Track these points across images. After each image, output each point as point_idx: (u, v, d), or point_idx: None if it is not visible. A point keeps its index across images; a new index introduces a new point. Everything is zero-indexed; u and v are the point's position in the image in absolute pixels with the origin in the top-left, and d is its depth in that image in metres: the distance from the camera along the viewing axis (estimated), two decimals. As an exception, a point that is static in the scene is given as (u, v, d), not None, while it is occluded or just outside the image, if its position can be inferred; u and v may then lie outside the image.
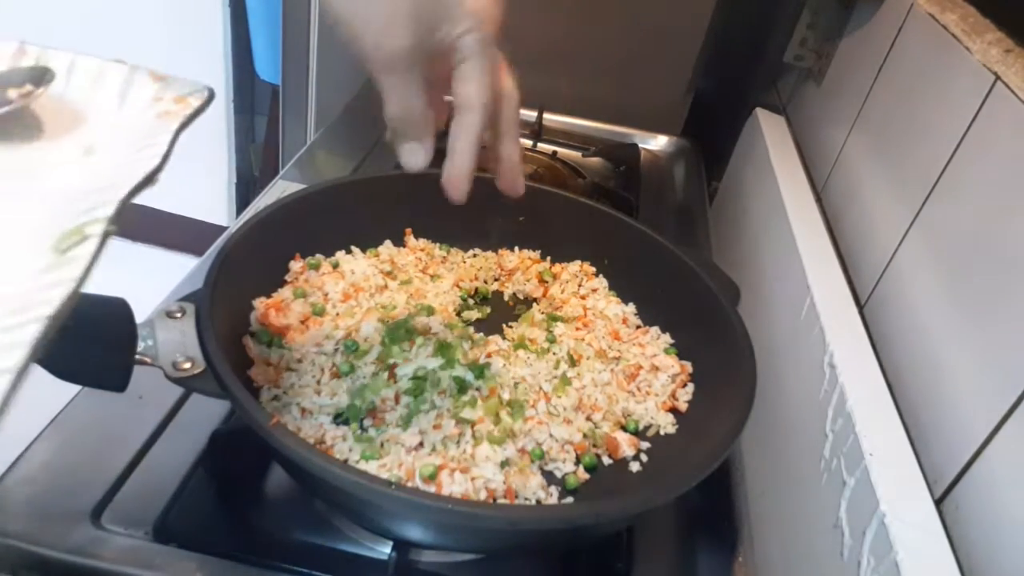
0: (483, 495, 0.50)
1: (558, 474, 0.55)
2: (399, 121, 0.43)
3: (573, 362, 0.63)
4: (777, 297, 0.78)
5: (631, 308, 0.71)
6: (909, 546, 0.43)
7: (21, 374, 0.25)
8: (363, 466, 0.50)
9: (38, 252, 0.30)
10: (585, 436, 0.58)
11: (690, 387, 0.63)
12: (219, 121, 1.80)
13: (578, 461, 0.57)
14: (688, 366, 0.64)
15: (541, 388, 0.60)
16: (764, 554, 0.62)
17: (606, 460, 0.58)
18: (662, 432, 0.60)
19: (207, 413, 0.61)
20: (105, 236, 0.31)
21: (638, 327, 0.70)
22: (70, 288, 0.28)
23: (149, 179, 0.34)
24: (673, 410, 0.62)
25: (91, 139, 0.37)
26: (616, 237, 0.73)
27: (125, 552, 0.51)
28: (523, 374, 0.60)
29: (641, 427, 0.60)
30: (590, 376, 0.62)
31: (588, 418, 0.59)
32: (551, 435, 0.56)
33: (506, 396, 0.57)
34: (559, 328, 0.66)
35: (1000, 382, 0.45)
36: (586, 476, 0.56)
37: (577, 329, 0.67)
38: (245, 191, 1.95)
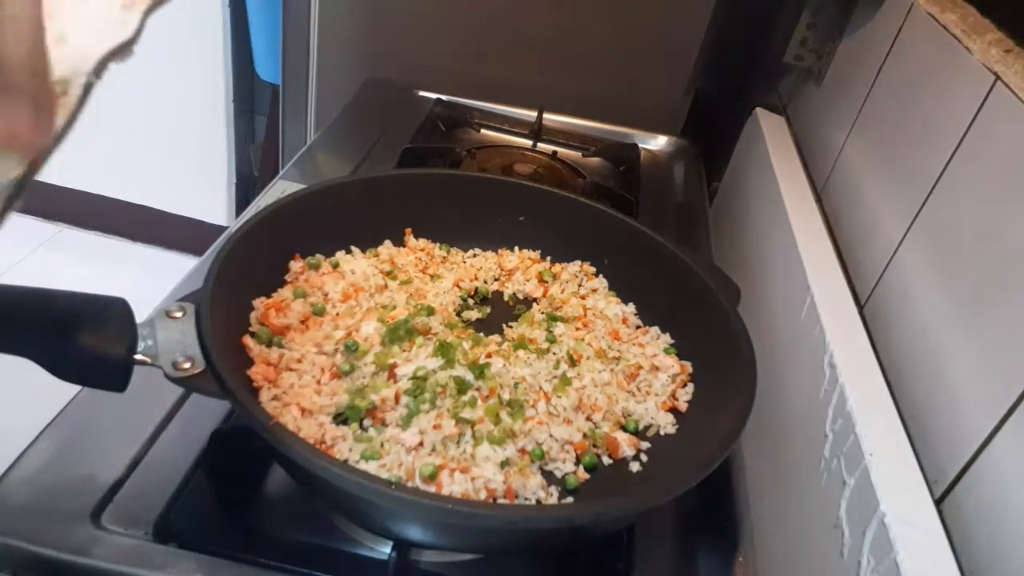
0: (483, 495, 0.50)
1: (558, 474, 0.55)
2: None
3: (573, 362, 0.63)
4: (777, 297, 0.78)
5: (631, 308, 0.71)
6: (909, 546, 0.43)
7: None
8: (363, 466, 0.50)
9: None
10: (585, 436, 0.58)
11: (690, 387, 0.63)
12: (219, 121, 1.80)
13: (578, 461, 0.57)
14: (688, 366, 0.64)
15: (541, 388, 0.60)
16: (764, 554, 0.62)
17: (606, 460, 0.58)
18: (662, 432, 0.60)
19: (207, 413, 0.61)
20: (88, 87, 0.33)
21: (638, 327, 0.70)
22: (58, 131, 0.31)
23: (125, 47, 0.35)
24: (673, 410, 0.62)
25: (60, 29, 0.38)
26: (616, 237, 0.73)
27: (125, 552, 0.51)
28: (523, 374, 0.60)
29: (641, 427, 0.60)
30: (590, 376, 0.61)
31: (588, 418, 0.59)
32: (551, 435, 0.56)
33: (506, 396, 0.57)
34: (559, 328, 0.66)
35: (1000, 382, 0.45)
36: (586, 476, 0.56)
37: (577, 329, 0.67)
38: (245, 191, 1.95)
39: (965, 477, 0.47)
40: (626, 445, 0.58)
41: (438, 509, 0.43)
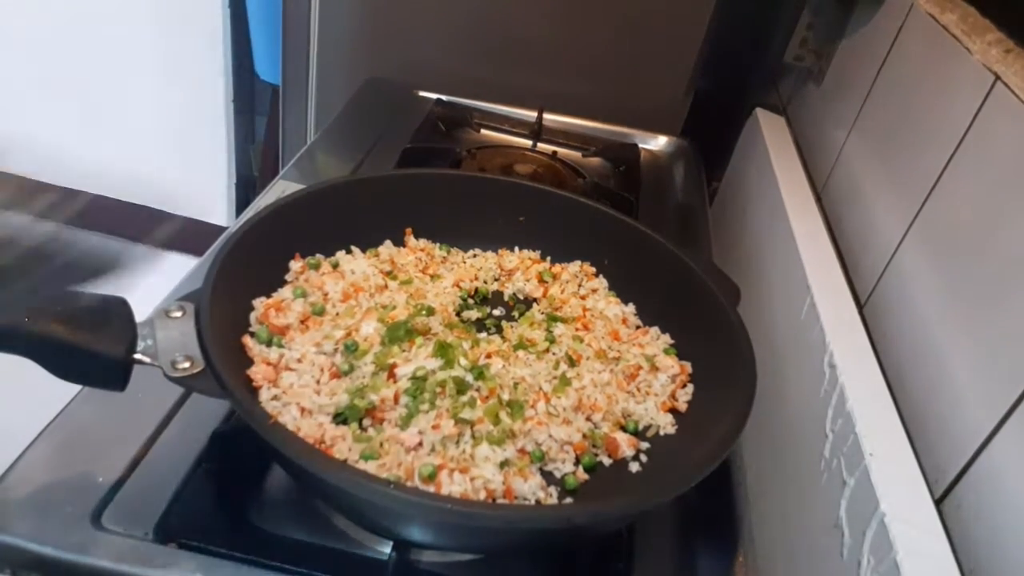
0: (482, 495, 0.50)
1: (558, 474, 0.55)
2: None
3: (573, 362, 0.63)
4: (777, 297, 0.78)
5: (631, 308, 0.71)
6: (909, 546, 0.43)
7: None
8: (363, 466, 0.50)
9: None
10: (585, 436, 0.58)
11: (690, 387, 0.63)
12: (219, 121, 1.81)
13: (578, 461, 0.57)
14: (688, 366, 0.64)
15: (541, 388, 0.60)
16: (764, 554, 0.62)
17: (606, 460, 0.58)
18: (662, 432, 0.60)
19: (207, 413, 0.61)
20: None
21: (638, 327, 0.70)
22: None
23: None
24: (673, 410, 0.62)
25: None
26: (616, 237, 0.73)
27: (125, 552, 0.51)
28: (523, 374, 0.60)
29: (641, 427, 0.60)
30: (590, 376, 0.61)
31: (588, 418, 0.59)
32: (551, 435, 0.56)
33: (506, 396, 0.57)
34: (559, 328, 0.66)
35: (1000, 382, 0.45)
36: (586, 476, 0.56)
37: (577, 329, 0.67)
38: (245, 191, 1.95)
39: (965, 477, 0.47)
40: (626, 445, 0.58)
41: (437, 509, 0.43)
